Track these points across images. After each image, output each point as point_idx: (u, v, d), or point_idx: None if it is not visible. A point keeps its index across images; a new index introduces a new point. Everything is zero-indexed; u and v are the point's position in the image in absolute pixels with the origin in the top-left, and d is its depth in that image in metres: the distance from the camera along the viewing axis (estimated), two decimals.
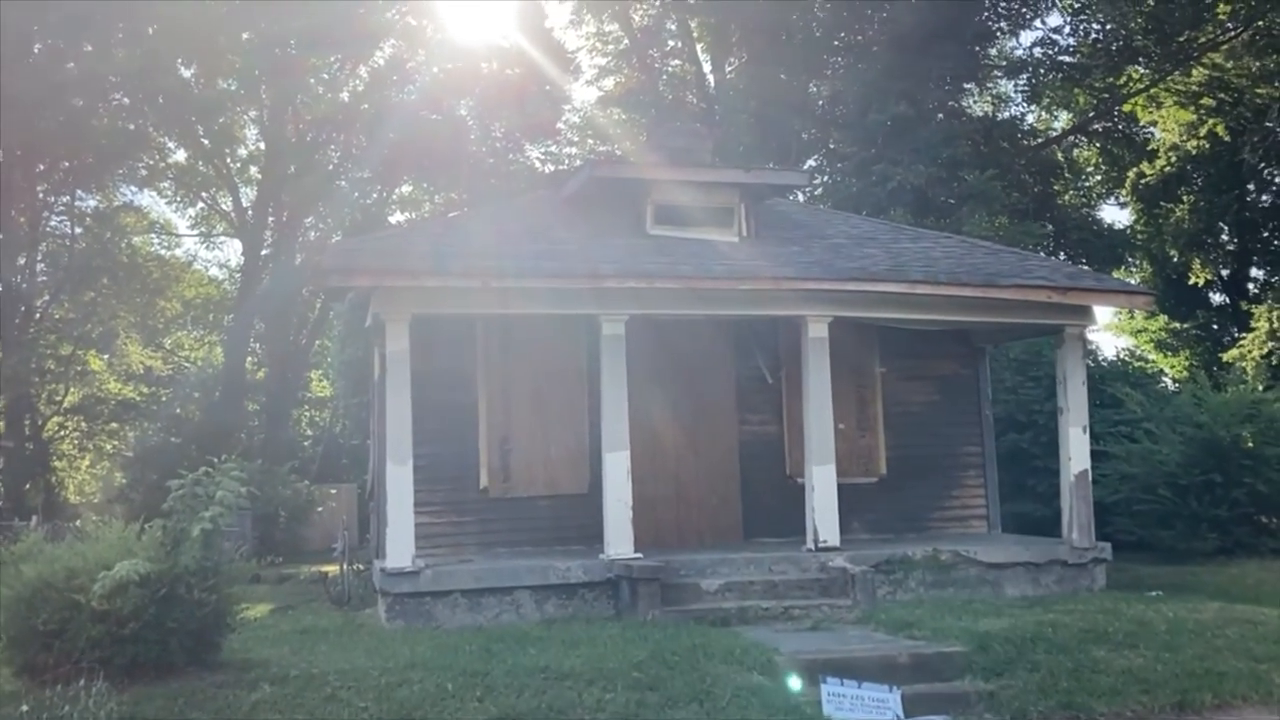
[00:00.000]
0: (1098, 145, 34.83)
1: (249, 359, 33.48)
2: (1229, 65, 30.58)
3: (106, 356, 34.84)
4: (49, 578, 7.69)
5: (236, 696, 7.29)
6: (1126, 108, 33.02)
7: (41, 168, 30.21)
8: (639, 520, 11.12)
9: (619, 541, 10.85)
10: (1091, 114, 32.95)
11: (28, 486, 30.76)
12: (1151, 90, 31.42)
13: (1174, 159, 33.33)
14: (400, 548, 10.48)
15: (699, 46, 33.52)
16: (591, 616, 10.38)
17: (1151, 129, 34.09)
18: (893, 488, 13.54)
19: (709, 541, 12.73)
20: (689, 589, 10.64)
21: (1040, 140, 32.39)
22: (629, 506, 10.97)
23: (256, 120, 32.70)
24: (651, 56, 34.35)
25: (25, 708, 6.68)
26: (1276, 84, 30.17)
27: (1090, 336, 15.23)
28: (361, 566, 14.09)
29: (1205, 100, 31.48)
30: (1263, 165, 33.10)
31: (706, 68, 33.52)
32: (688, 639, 8.76)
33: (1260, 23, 28.70)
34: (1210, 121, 31.89)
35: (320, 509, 23.20)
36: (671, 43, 34.74)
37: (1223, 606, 10.26)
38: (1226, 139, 32.16)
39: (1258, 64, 29.98)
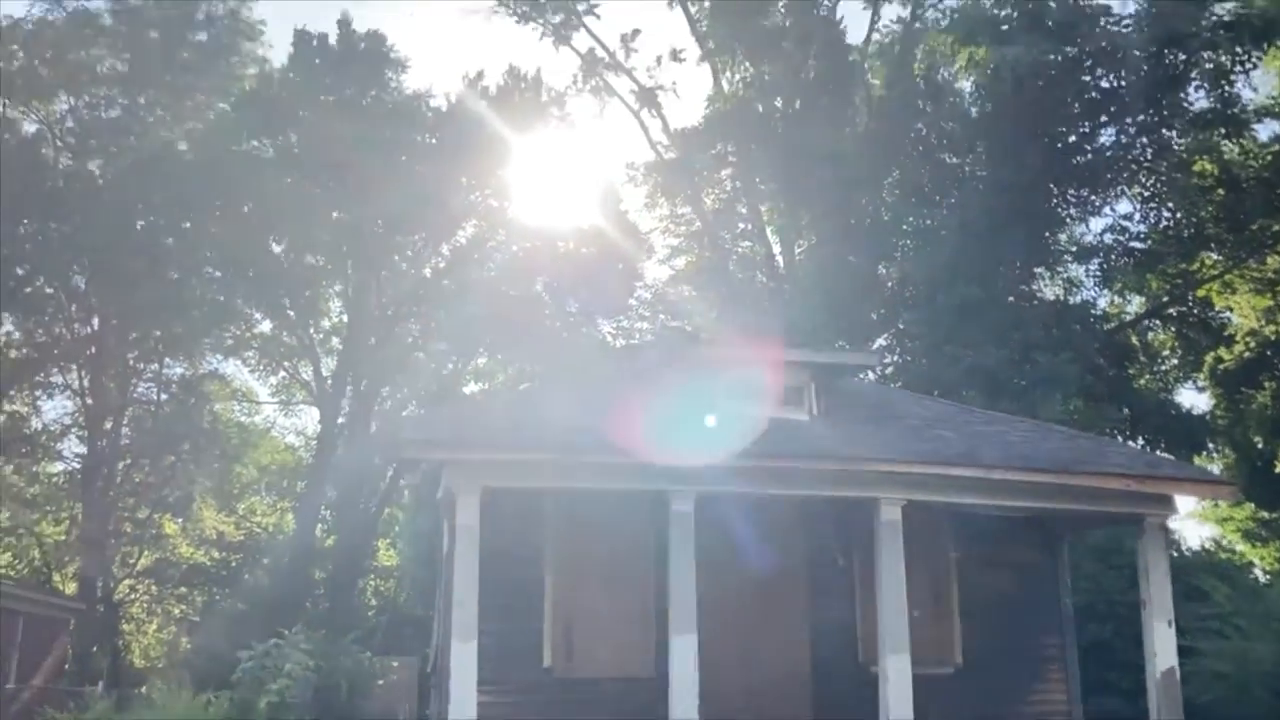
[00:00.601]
0: (1173, 329, 34.50)
1: (319, 526, 33.74)
2: None
3: (181, 520, 35.37)
4: None
5: None
6: (1201, 293, 32.77)
7: (134, 336, 31.49)
8: (706, 704, 10.79)
9: None
10: (1165, 299, 32.78)
11: (95, 649, 30.87)
12: (1225, 277, 31.27)
13: (1252, 344, 32.86)
14: None
15: (769, 228, 34.32)
16: None
17: (1228, 314, 33.77)
18: (970, 679, 13.02)
19: None
20: None
21: (1114, 324, 32.22)
22: (696, 694, 10.68)
23: (341, 294, 33.97)
24: (722, 238, 35.27)
25: None
26: None
27: (1172, 525, 14.84)
28: None
29: None
30: None
31: (776, 249, 34.22)
32: None
33: None
34: None
35: (381, 681, 22.83)
36: (742, 225, 35.66)
37: None
38: None
39: None
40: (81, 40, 30.03)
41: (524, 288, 32.29)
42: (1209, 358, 33.86)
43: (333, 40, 31.84)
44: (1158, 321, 34.20)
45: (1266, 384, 34.05)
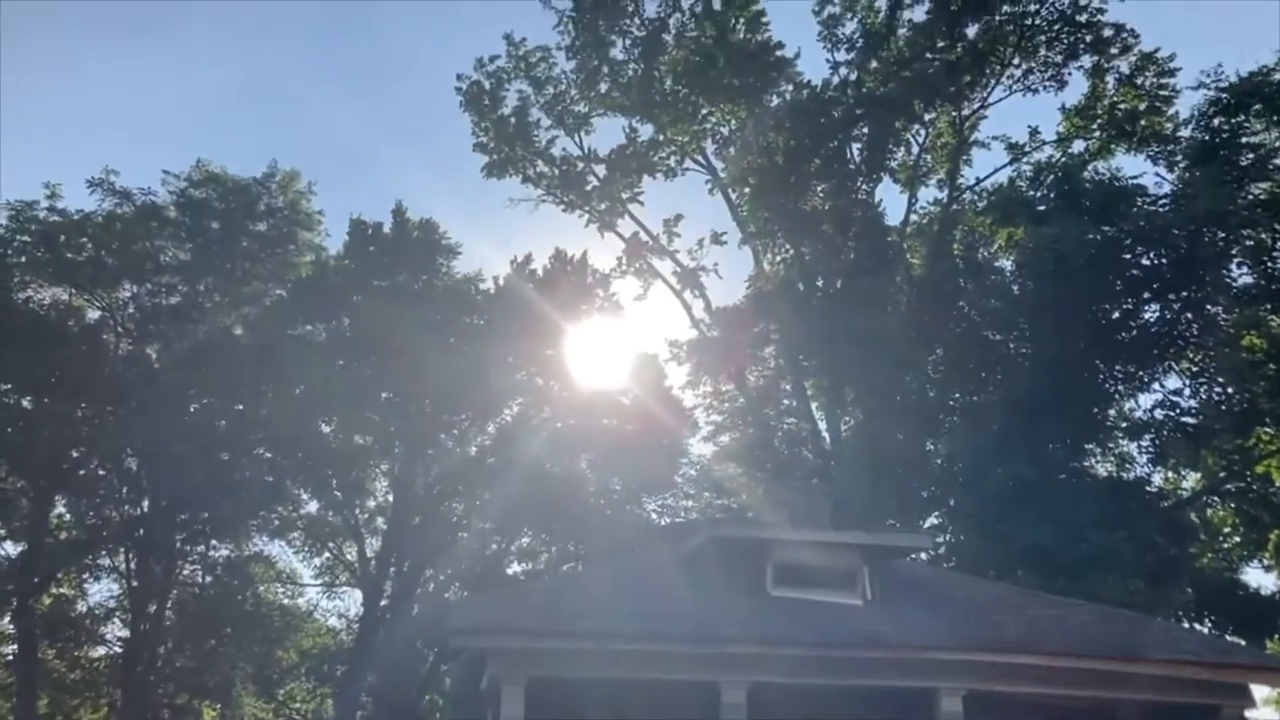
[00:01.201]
0: (1232, 506, 33.62)
1: (359, 713, 32.94)
2: None
3: (220, 707, 34.73)
4: None
5: None
6: (1260, 469, 31.97)
7: (182, 518, 31.66)
8: None
9: None
10: (1222, 475, 32.01)
11: None
12: None
13: None
14: None
15: (814, 405, 34.24)
16: None
17: None
18: None
19: None
20: None
21: (1171, 501, 31.45)
22: None
23: (388, 472, 34.13)
24: (767, 414, 35.27)
25: None
26: None
27: (1249, 715, 14.08)
28: None
29: None
30: None
31: (822, 425, 34.03)
32: None
33: None
34: None
35: None
36: (786, 401, 35.64)
37: None
38: None
39: None
40: (146, 231, 31.34)
41: (568, 465, 32.31)
42: (1274, 535, 32.90)
43: (387, 228, 33.04)
44: (1216, 499, 33.38)
45: None
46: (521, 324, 30.84)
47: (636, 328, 40.44)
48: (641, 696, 11.88)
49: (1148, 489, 30.52)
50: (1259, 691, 15.31)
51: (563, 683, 11.24)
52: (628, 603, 11.88)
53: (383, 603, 32.56)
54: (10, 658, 31.21)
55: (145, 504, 31.45)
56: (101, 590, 33.16)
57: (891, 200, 46.74)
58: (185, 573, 33.19)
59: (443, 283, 32.90)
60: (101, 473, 30.79)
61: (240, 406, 30.40)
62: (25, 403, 28.16)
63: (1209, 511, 32.95)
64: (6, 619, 30.81)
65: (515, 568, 35.40)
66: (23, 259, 29.97)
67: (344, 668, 34.06)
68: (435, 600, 31.82)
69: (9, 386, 28.84)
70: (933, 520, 28.98)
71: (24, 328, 27.66)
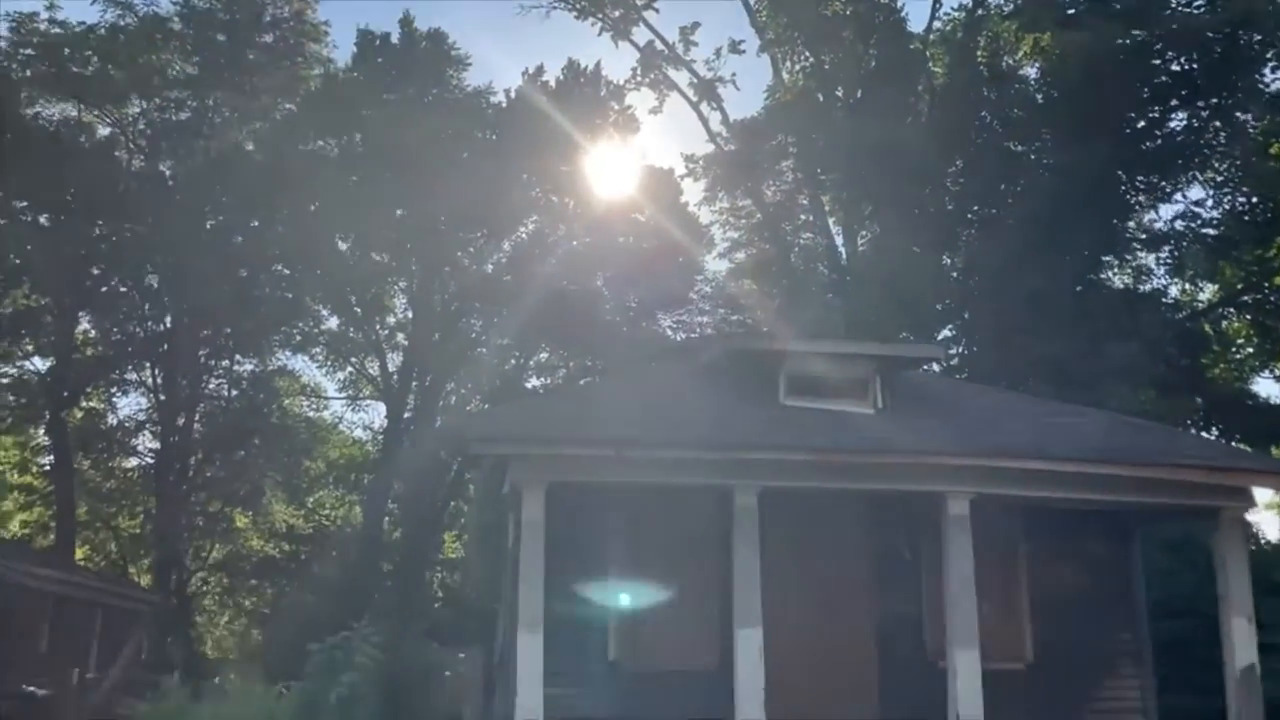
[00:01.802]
0: (1248, 317, 33.61)
1: (386, 519, 34.20)
2: None
3: (252, 514, 36.06)
4: None
5: None
6: (1278, 280, 31.83)
7: (206, 333, 32.13)
8: (771, 698, 10.74)
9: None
10: (1241, 286, 31.89)
11: (170, 640, 31.59)
12: None
13: None
14: (528, 717, 10.33)
15: (830, 220, 33.83)
16: None
17: None
18: (1040, 676, 12.79)
19: None
20: None
21: (1186, 313, 31.43)
22: (761, 687, 10.65)
23: (406, 290, 34.37)
24: (783, 229, 35.01)
25: None
26: None
27: (1250, 519, 14.46)
28: None
29: None
30: None
31: (838, 240, 33.81)
32: None
33: None
34: None
35: (448, 673, 23.11)
36: (803, 216, 35.40)
37: None
38: None
39: None
40: (152, 44, 30.66)
41: (584, 282, 32.47)
42: None
43: (395, 39, 32.18)
44: (1232, 310, 33.34)
45: None
46: (534, 139, 30.36)
47: (652, 142, 39.79)
48: (657, 500, 12.25)
49: (1164, 301, 30.48)
50: (1261, 495, 15.66)
51: (582, 486, 11.58)
52: (644, 412, 12.12)
53: (406, 415, 33.34)
54: (47, 468, 32.34)
55: (168, 320, 31.89)
56: (130, 404, 34.09)
57: (915, 6, 45.10)
58: (211, 386, 33.92)
59: (453, 96, 32.29)
60: (123, 289, 31.13)
61: (256, 223, 30.40)
62: (43, 220, 28.17)
63: (1224, 323, 32.96)
64: (41, 431, 31.76)
65: (534, 382, 36.02)
66: (28, 73, 29.45)
67: (370, 477, 35.18)
68: (458, 414, 32.54)
69: (25, 204, 28.83)
70: (947, 334, 29.11)
71: (35, 143, 27.42)
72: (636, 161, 35.37)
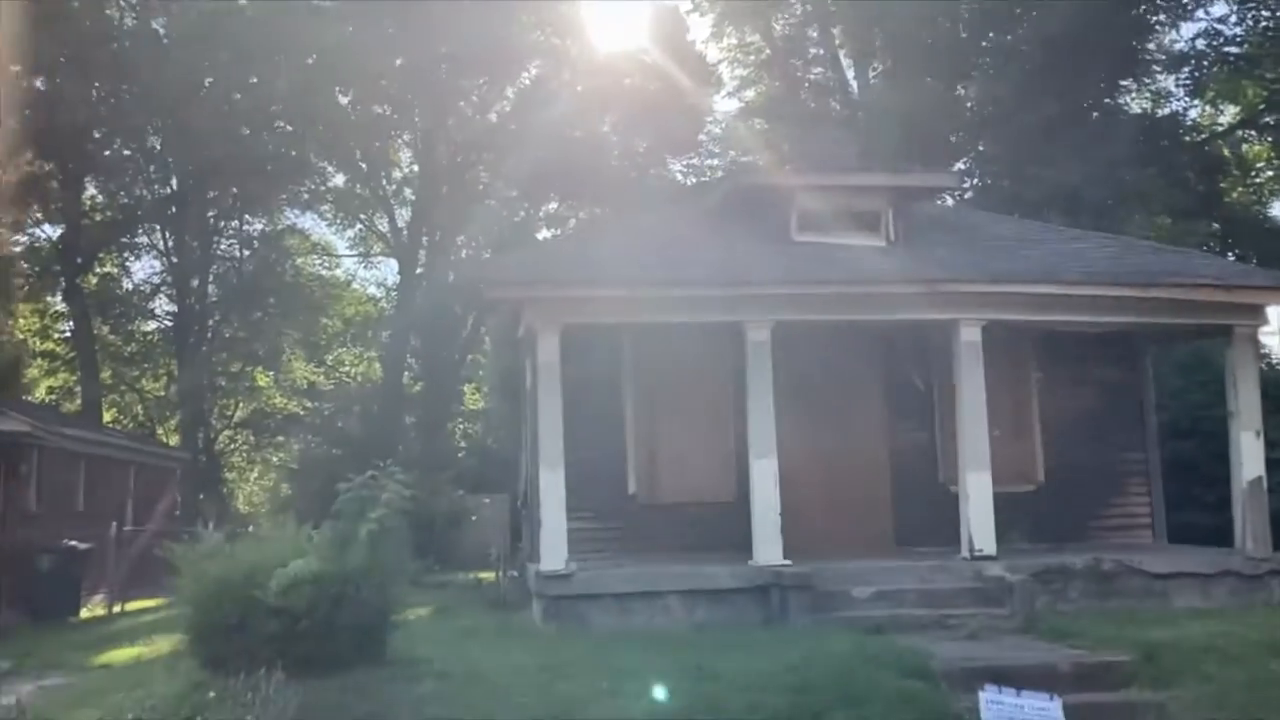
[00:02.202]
0: (1269, 139, 32.99)
1: (405, 373, 34.66)
2: None
3: (273, 373, 36.58)
4: (230, 576, 8.17)
5: (403, 690, 7.62)
6: None
7: (213, 194, 31.97)
8: (788, 527, 11.07)
9: (768, 548, 10.85)
10: (1262, 107, 31.18)
11: (201, 496, 32.54)
12: None
13: None
14: (554, 551, 10.72)
15: (841, 53, 33.15)
16: (741, 622, 10.40)
17: None
18: (1051, 496, 13.15)
19: (859, 550, 12.55)
20: (839, 596, 10.55)
21: (1204, 136, 30.87)
22: (777, 513, 10.96)
23: (410, 143, 33.94)
24: (793, 65, 34.13)
25: (212, 694, 7.11)
26: None
27: (1263, 339, 14.53)
28: (515, 573, 14.43)
29: None
30: None
31: (850, 75, 33.12)
32: (840, 644, 8.71)
33: None
34: None
35: (474, 517, 23.81)
36: (813, 50, 34.38)
37: None
38: None
39: None
40: None
41: (591, 128, 31.85)
42: None
43: None
44: (1253, 132, 32.69)
45: None
46: None
47: None
48: (671, 338, 12.38)
49: (1182, 125, 29.90)
50: (1275, 314, 15.69)
51: (596, 327, 11.70)
52: (656, 252, 12.14)
53: (418, 271, 33.39)
54: (68, 335, 32.71)
55: (174, 182, 31.69)
56: (144, 267, 34.20)
57: None
58: (222, 248, 33.96)
59: None
60: (126, 152, 30.84)
61: (254, 79, 29.80)
62: (39, 84, 27.70)
63: (1244, 146, 32.39)
64: (59, 298, 31.99)
65: (544, 233, 35.88)
66: None
67: (387, 332, 35.49)
68: (470, 265, 32.56)
69: (19, 69, 28.30)
70: (960, 166, 28.74)
71: (21, 2, 26.73)
72: None
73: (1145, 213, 22.07)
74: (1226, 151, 31.53)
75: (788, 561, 10.74)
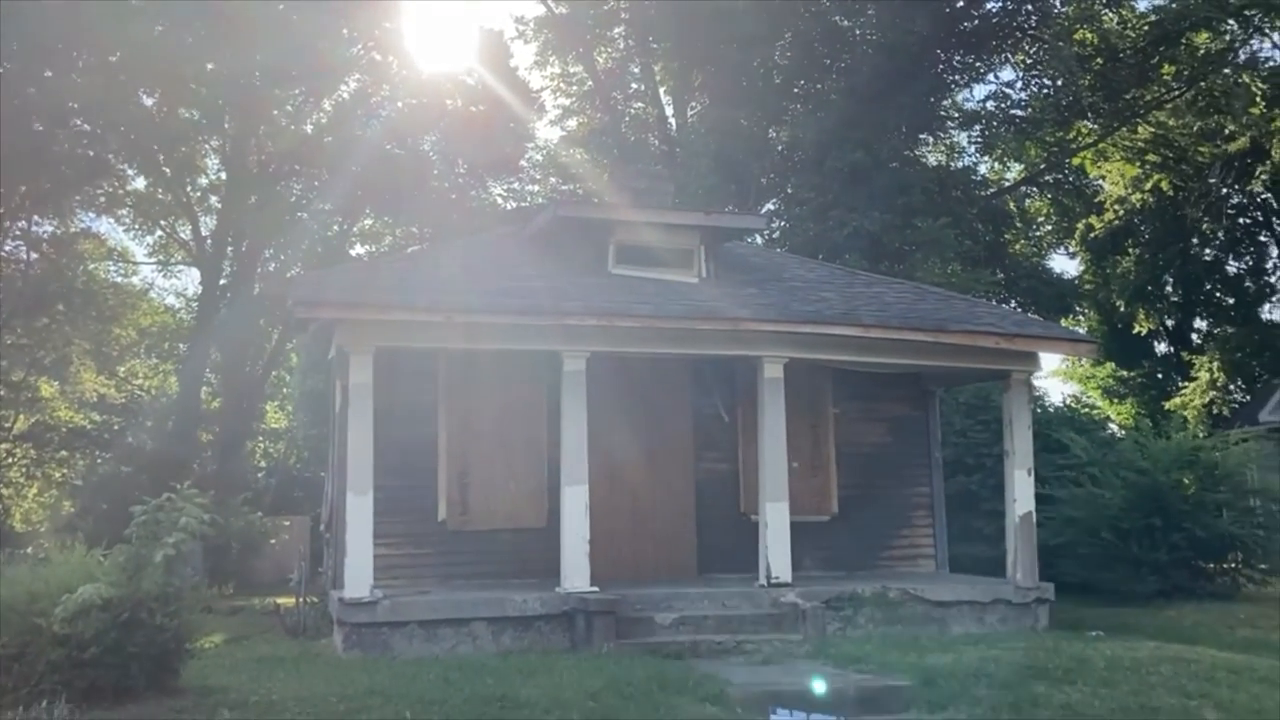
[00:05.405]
0: (1049, 196, 35.71)
1: (204, 389, 33.23)
2: (1173, 124, 31.57)
3: (59, 383, 34.39)
4: (10, 601, 7.74)
5: None
6: (1076, 161, 33.85)
7: None
8: (596, 554, 11.28)
9: (575, 575, 11.02)
10: (1043, 166, 33.73)
11: None
12: (1100, 145, 32.31)
13: (1121, 212, 34.27)
14: (358, 578, 10.57)
15: (662, 90, 33.94)
16: (547, 649, 10.52)
17: (1100, 182, 35.06)
18: (844, 526, 13.83)
19: (664, 576, 12.91)
20: (644, 622, 10.82)
21: (992, 190, 33.13)
22: (586, 540, 11.15)
23: (218, 150, 32.39)
24: (615, 98, 34.73)
25: None
26: (1217, 143, 31.19)
27: (1037, 383, 15.73)
28: (315, 599, 14.08)
29: (1151, 156, 32.47)
30: (1204, 221, 34.15)
31: (669, 110, 33.91)
32: (642, 670, 8.94)
33: (1202, 84, 29.80)
34: (1155, 177, 32.91)
35: (274, 541, 23.06)
36: (635, 85, 35.18)
37: (1158, 646, 10.60)
38: (1170, 194, 33.23)
39: (1199, 123, 30.96)
40: None
41: (410, 147, 31.17)
42: (1080, 225, 35.26)
43: None
44: (1035, 189, 35.32)
45: (1131, 251, 35.72)
46: None
47: (482, 3, 38.49)
48: (487, 365, 12.45)
49: (973, 178, 31.93)
50: (1048, 361, 16.96)
51: (411, 351, 11.64)
52: (475, 278, 12.17)
53: (222, 282, 32.10)
54: None
55: None
56: None
57: None
58: (7, 249, 31.77)
59: None
60: None
61: (49, 73, 28.02)
62: None
63: (1027, 201, 35.00)
64: None
65: (359, 249, 35.20)
66: None
67: (185, 345, 33.96)
68: (277, 280, 31.48)
69: None
70: (770, 206, 29.85)
71: None
72: (465, 21, 34.27)
73: (939, 260, 23.45)
74: (1012, 206, 33.99)
75: (594, 588, 10.93)
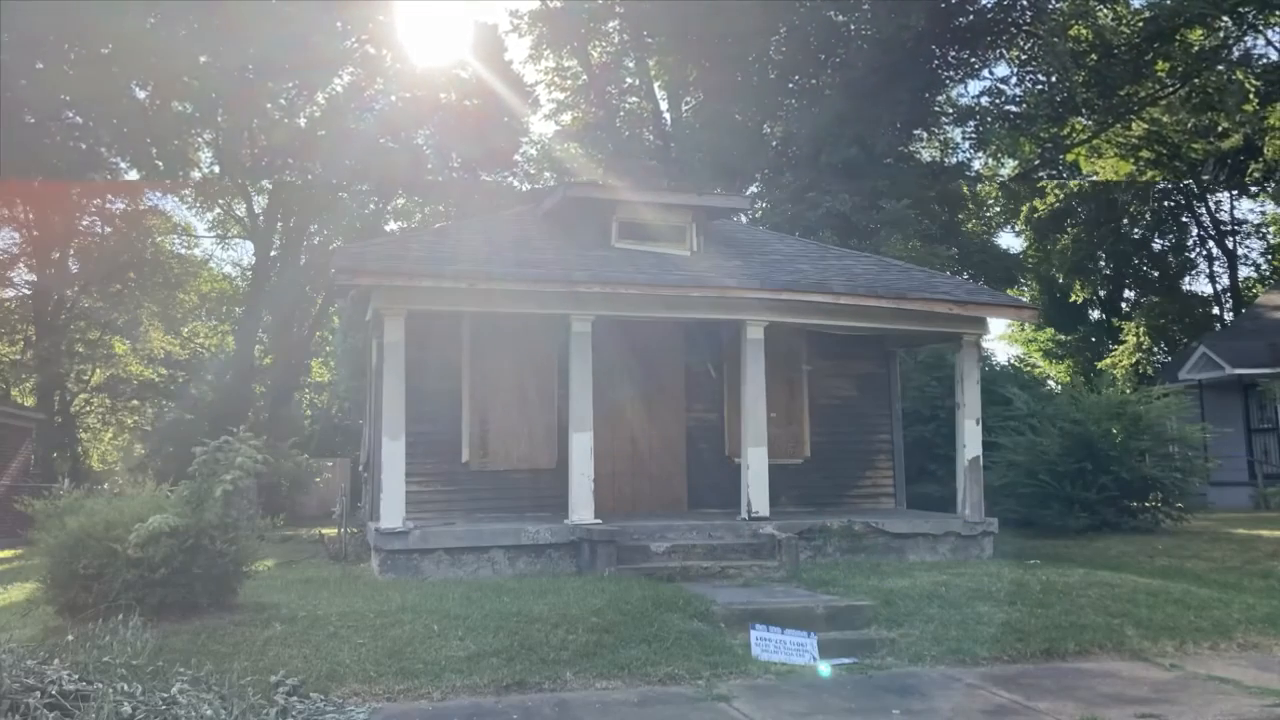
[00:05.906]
0: (998, 182, 35.32)
1: (257, 347, 33.21)
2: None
3: (130, 342, 34.36)
4: (90, 528, 7.77)
5: (252, 632, 7.43)
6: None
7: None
8: (599, 491, 11.35)
9: (581, 509, 11.06)
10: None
11: (55, 455, 30.35)
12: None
13: (1061, 196, 34.08)
14: (392, 511, 10.61)
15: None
16: (557, 573, 10.57)
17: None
18: (816, 468, 13.87)
19: (659, 510, 12.96)
20: (641, 550, 10.87)
21: (949, 175, 32.21)
22: (590, 479, 11.18)
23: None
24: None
25: (70, 637, 6.76)
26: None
27: (985, 345, 15.68)
28: (355, 529, 14.14)
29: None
30: (1134, 204, 33.94)
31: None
32: (639, 591, 8.99)
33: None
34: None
35: (318, 479, 23.15)
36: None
37: (1087, 573, 10.66)
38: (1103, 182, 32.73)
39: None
40: None
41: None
42: (1025, 207, 35.05)
43: None
44: (985, 176, 34.43)
45: (1069, 229, 35.57)
46: None
47: None
48: (505, 327, 12.44)
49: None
50: (995, 325, 16.89)
51: (439, 314, 11.61)
52: (493, 250, 12.11)
53: (272, 253, 31.98)
54: None
55: None
56: (4, 238, 31.45)
57: None
58: (85, 224, 31.57)
59: None
60: None
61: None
62: None
63: (978, 186, 34.63)
64: None
65: (392, 225, 34.90)
66: None
67: (241, 309, 33.92)
68: (321, 251, 31.32)
69: None
70: (754, 189, 29.08)
71: None
72: (459, 15, 32.42)
73: (901, 236, 23.28)
74: (965, 189, 33.62)
75: (598, 521, 10.97)
